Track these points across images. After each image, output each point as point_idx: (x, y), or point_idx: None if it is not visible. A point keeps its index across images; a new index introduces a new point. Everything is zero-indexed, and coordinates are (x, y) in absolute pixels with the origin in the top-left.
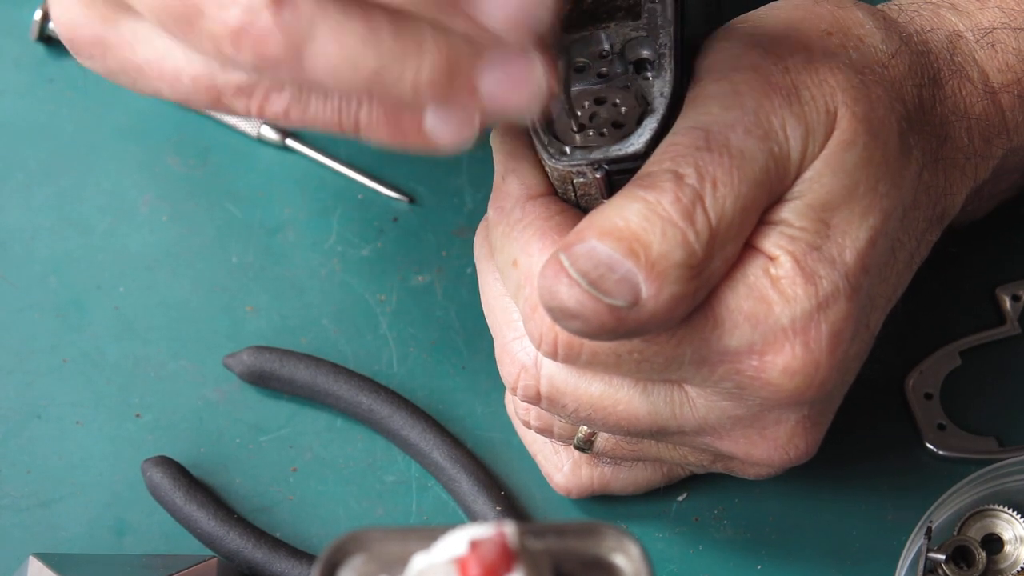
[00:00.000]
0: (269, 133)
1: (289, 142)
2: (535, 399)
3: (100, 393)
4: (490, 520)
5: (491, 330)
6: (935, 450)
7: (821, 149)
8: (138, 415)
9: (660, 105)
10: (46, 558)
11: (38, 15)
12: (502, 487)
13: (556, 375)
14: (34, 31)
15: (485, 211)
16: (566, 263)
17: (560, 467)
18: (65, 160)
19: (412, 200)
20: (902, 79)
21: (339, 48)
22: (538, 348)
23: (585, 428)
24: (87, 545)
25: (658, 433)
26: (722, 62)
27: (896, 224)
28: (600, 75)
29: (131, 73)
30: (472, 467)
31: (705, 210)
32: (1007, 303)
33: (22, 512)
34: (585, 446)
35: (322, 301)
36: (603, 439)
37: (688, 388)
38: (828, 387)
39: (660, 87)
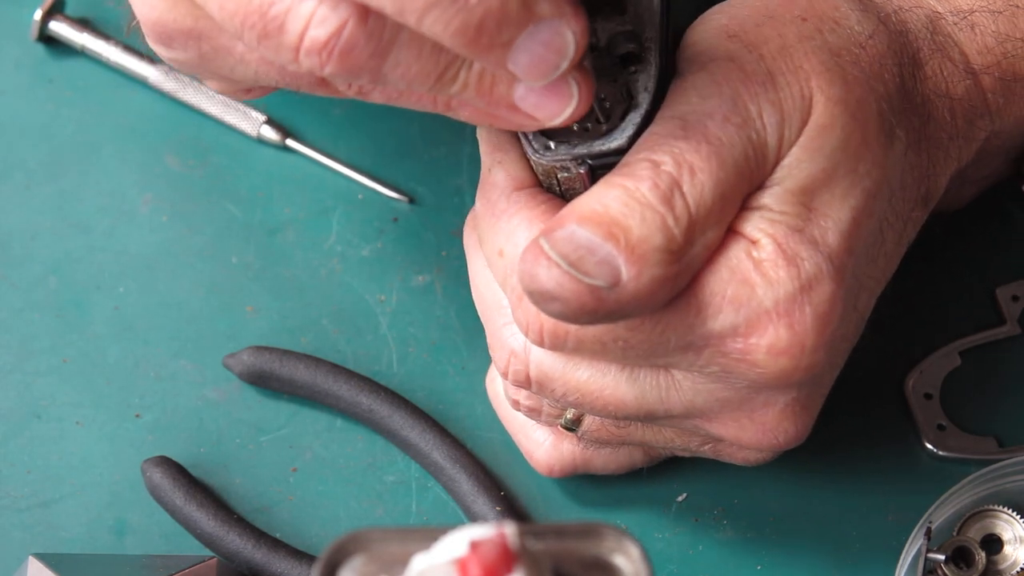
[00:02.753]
0: (269, 133)
1: (289, 142)
2: (525, 383)
3: (100, 393)
4: (490, 520)
5: (481, 318)
6: (935, 450)
7: (798, 135)
8: (138, 415)
9: (644, 100)
10: (46, 558)
11: (38, 15)
12: (502, 487)
13: (544, 361)
14: (34, 31)
15: None
16: (546, 247)
17: (541, 442)
18: (65, 160)
19: (412, 200)
20: (881, 59)
21: (417, 55)
22: (526, 335)
23: (573, 409)
24: (87, 545)
25: (646, 417)
26: (700, 53)
27: (883, 204)
28: None
29: (226, 58)
30: (472, 467)
31: (683, 195)
32: (1007, 303)
33: (22, 512)
34: (573, 426)
35: (322, 301)
36: (590, 421)
37: (675, 372)
38: (816, 369)
39: (644, 82)
